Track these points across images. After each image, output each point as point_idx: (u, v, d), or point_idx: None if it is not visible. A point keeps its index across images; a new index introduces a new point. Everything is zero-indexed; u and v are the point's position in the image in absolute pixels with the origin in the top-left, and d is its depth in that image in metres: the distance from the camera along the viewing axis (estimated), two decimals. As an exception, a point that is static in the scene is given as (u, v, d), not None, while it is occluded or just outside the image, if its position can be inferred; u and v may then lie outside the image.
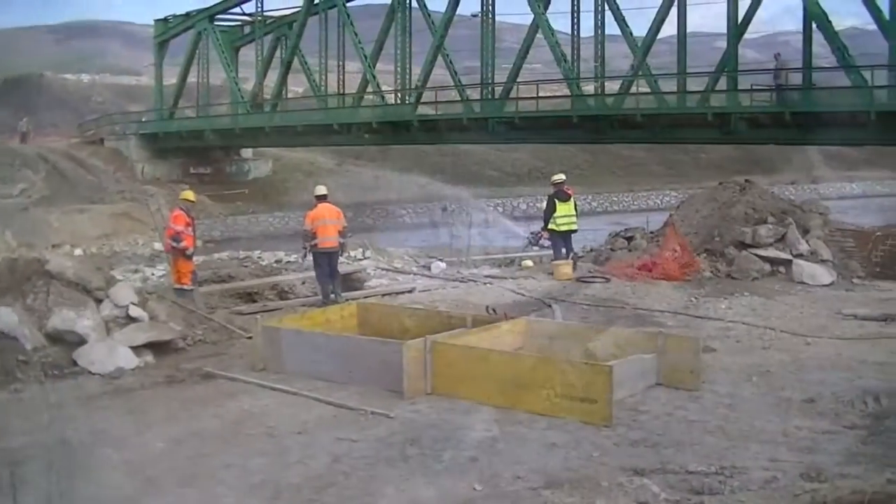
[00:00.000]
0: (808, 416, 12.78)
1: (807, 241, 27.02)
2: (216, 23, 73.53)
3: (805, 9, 42.28)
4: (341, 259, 24.74)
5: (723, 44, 46.41)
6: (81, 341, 15.60)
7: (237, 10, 73.62)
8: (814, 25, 42.37)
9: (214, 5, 73.34)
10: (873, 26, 41.49)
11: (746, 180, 31.55)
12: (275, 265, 29.83)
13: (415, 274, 27.29)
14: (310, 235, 22.67)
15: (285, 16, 70.42)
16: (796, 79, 43.48)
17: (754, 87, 46.16)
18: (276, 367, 15.26)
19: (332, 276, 22.84)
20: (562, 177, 28.34)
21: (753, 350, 17.34)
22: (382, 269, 27.67)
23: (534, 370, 13.00)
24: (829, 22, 41.88)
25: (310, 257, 23.39)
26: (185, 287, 21.49)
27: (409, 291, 24.17)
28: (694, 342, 14.57)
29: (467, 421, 12.54)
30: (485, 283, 25.08)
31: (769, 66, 45.02)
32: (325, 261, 22.69)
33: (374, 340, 15.35)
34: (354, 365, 14.41)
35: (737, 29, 44.95)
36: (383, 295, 23.62)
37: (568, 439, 11.78)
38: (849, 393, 13.83)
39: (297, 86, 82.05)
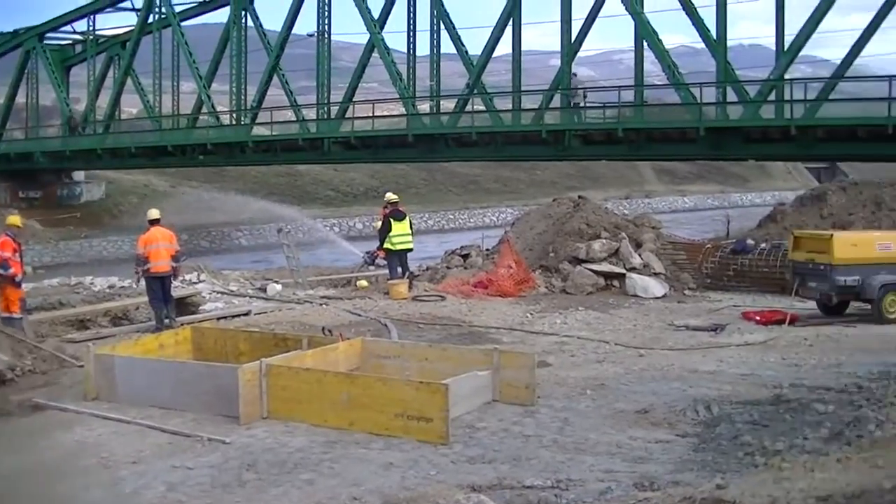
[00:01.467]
0: (642, 427, 12.99)
1: (640, 255, 27.57)
2: (46, 41, 71.70)
3: (636, 28, 43.18)
4: (175, 283, 24.35)
5: (558, 62, 47.05)
6: None
7: (68, 28, 71.85)
8: (645, 44, 43.30)
9: (44, 23, 71.53)
10: (701, 44, 42.64)
11: (580, 196, 32.12)
12: (108, 291, 29.10)
13: (250, 296, 26.96)
14: (142, 260, 22.24)
15: (118, 35, 69.06)
16: (637, 97, 44.31)
17: (588, 105, 47.00)
18: (110, 395, 14.85)
19: (165, 301, 22.45)
20: (395, 196, 28.46)
21: (588, 364, 17.56)
22: (218, 293, 27.24)
23: (369, 390, 12.94)
24: (660, 41, 42.93)
25: (143, 282, 22.98)
26: (14, 315, 20.84)
27: (245, 314, 23.82)
28: (529, 358, 14.69)
29: (304, 444, 12.42)
30: (321, 304, 24.94)
31: (602, 83, 45.94)
32: (159, 285, 22.28)
33: (208, 365, 15.11)
34: (189, 391, 14.14)
35: (570, 47, 45.66)
36: (219, 318, 23.26)
37: (405, 458, 11.74)
38: (681, 402, 14.10)
39: (132, 106, 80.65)
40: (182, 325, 20.80)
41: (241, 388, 13.31)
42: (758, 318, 22.33)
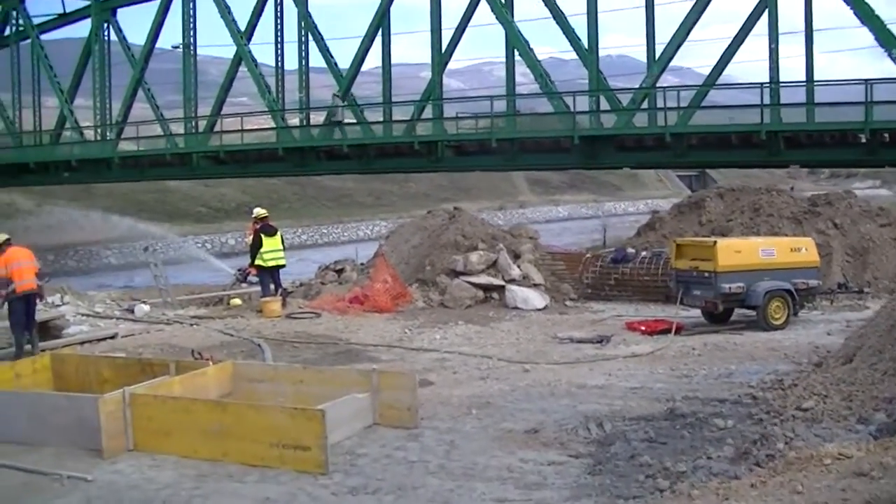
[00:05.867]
0: (533, 448, 12.32)
1: (518, 266, 27.02)
2: None
3: (506, 37, 42.85)
4: (38, 305, 23.02)
5: (428, 74, 46.51)
6: None
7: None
8: (516, 54, 43.00)
9: None
10: (567, 55, 42.56)
11: (456, 207, 31.54)
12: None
13: (117, 318, 25.75)
14: (5, 280, 20.79)
15: (-27, 48, 66.62)
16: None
17: (459, 116, 46.64)
18: (-40, 431, 13.71)
19: (28, 326, 21.06)
20: (264, 211, 27.60)
21: (471, 381, 16.87)
22: (83, 315, 25.98)
23: (242, 419, 12.07)
24: (531, 50, 42.60)
25: (5, 306, 21.52)
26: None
27: (112, 337, 22.64)
28: (409, 378, 13.92)
29: (173, 478, 11.54)
30: (191, 325, 23.94)
31: (470, 93, 45.71)
32: (24, 306, 20.82)
33: (67, 396, 14.05)
34: (47, 424, 13.09)
35: (441, 57, 45.15)
36: (83, 343, 22.03)
37: (282, 492, 10.93)
38: (571, 420, 13.49)
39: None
40: (44, 350, 19.61)
41: (102, 421, 12.36)
42: (643, 328, 21.90)
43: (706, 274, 22.03)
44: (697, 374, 17.03)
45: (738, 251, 22.42)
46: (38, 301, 21.76)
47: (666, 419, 13.31)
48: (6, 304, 21.08)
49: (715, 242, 22.74)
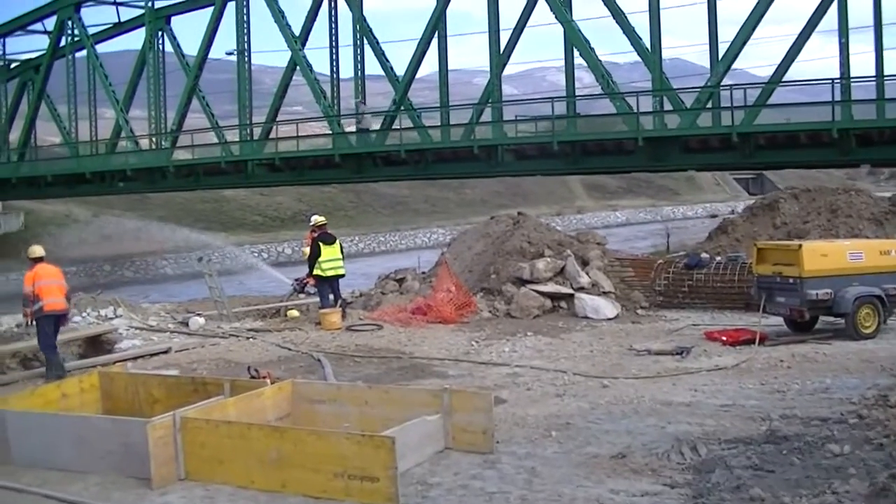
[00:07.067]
0: (622, 476, 11.18)
1: (587, 274, 25.88)
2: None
3: (565, 37, 41.79)
4: (91, 320, 22.11)
5: (481, 80, 45.69)
6: None
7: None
8: (576, 54, 41.96)
9: (-49, 51, 68.53)
10: (621, 58, 41.46)
11: (520, 213, 30.50)
12: (16, 329, 26.90)
13: (171, 332, 24.82)
14: (31, 299, 19.72)
15: (30, 59, 66.32)
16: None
17: (519, 118, 45.74)
18: (2, 457, 12.79)
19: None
20: (322, 218, 26.70)
21: (547, 398, 15.72)
22: (136, 329, 25.06)
23: (302, 446, 11.02)
24: (592, 49, 41.56)
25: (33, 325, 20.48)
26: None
27: (165, 352, 21.71)
28: (484, 399, 12.77)
29: (228, 511, 10.53)
30: (248, 338, 22.96)
31: (522, 97, 44.70)
32: (52, 326, 19.82)
33: (113, 419, 13.09)
34: (92, 450, 12.14)
35: (499, 59, 44.17)
36: (135, 358, 21.11)
37: (349, 528, 9.88)
38: (662, 443, 12.32)
39: (52, 134, 77.85)
40: (93, 367, 18.66)
41: (151, 447, 11.37)
42: (724, 338, 20.58)
43: (791, 280, 20.74)
44: (791, 388, 15.75)
45: (824, 255, 21.08)
46: (63, 323, 20.71)
47: (767, 442, 12.06)
48: (34, 323, 20.11)
49: (800, 246, 21.38)
